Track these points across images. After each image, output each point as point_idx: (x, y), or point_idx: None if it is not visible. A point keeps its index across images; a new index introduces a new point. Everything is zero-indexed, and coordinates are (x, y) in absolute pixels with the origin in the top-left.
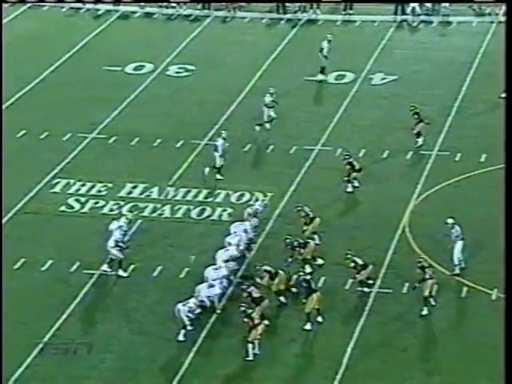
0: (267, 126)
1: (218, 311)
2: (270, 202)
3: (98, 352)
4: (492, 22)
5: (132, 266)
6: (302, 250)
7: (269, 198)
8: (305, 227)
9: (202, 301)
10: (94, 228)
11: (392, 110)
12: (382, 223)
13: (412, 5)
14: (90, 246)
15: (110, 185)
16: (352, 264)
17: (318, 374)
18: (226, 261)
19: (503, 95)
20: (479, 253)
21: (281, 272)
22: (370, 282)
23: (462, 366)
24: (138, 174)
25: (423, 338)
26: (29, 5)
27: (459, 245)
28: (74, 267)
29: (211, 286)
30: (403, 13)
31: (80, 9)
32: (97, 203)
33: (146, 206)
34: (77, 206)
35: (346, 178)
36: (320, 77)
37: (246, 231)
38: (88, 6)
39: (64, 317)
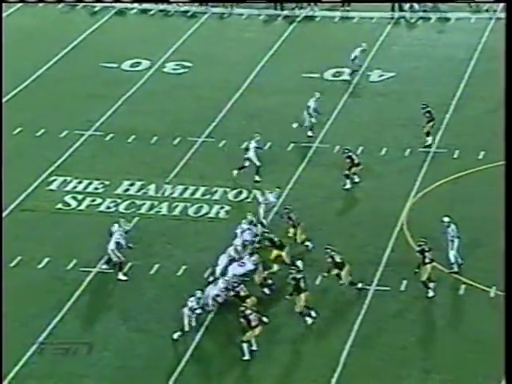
0: (309, 133)
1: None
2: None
3: (96, 350)
4: (490, 19)
5: (129, 264)
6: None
7: (279, 190)
8: (291, 230)
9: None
10: (90, 225)
11: (390, 107)
12: (381, 220)
13: None
14: (87, 244)
15: (107, 182)
16: (329, 259)
17: (316, 372)
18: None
19: None
20: (477, 250)
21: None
22: (341, 282)
23: (460, 363)
24: (135, 171)
25: (421, 335)
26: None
27: (455, 243)
28: (71, 265)
29: (241, 265)
30: (401, 9)
31: (76, 5)
32: (94, 201)
33: (143, 204)
34: (74, 203)
35: (346, 173)
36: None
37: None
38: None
39: (61, 315)
